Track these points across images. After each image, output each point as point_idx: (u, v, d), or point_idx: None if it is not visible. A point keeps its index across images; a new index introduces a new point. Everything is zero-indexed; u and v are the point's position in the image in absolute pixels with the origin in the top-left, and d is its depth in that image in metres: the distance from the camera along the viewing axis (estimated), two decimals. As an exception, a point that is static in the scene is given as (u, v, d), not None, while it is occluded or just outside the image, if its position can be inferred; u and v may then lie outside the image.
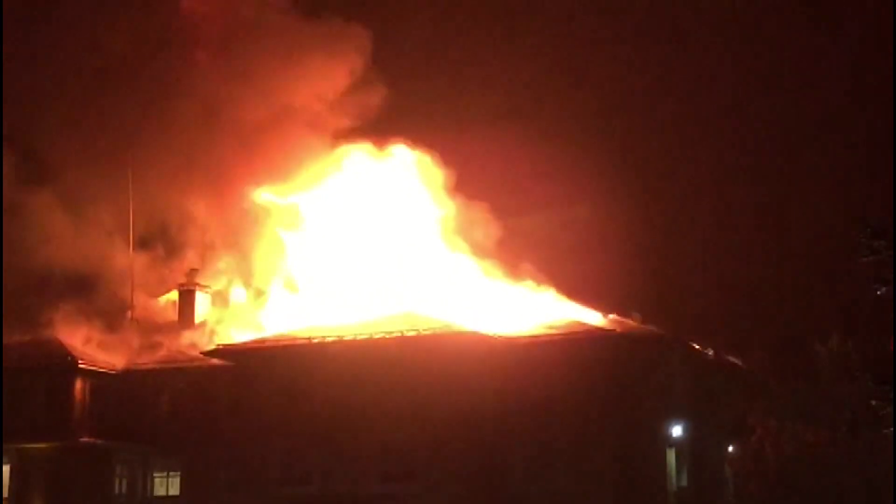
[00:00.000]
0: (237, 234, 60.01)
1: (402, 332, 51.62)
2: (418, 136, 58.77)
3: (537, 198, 63.22)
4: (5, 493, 55.98)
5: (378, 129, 59.05)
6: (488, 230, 57.00)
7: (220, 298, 61.18)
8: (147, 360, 57.66)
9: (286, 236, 59.30)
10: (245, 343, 54.69)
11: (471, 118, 67.51)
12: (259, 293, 59.70)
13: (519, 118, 71.12)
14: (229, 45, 60.25)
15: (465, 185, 58.27)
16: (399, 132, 58.82)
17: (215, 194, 59.68)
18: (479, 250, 56.74)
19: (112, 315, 59.57)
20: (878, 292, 23.73)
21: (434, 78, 72.46)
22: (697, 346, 52.66)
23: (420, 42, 72.80)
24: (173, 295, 61.62)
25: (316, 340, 52.85)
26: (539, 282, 55.32)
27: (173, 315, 60.84)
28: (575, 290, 55.21)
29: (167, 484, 57.04)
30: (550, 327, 51.94)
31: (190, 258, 61.65)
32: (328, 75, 58.90)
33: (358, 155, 59.21)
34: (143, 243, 61.81)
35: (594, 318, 52.76)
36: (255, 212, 59.74)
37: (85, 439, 55.77)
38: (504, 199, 59.17)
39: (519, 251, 56.52)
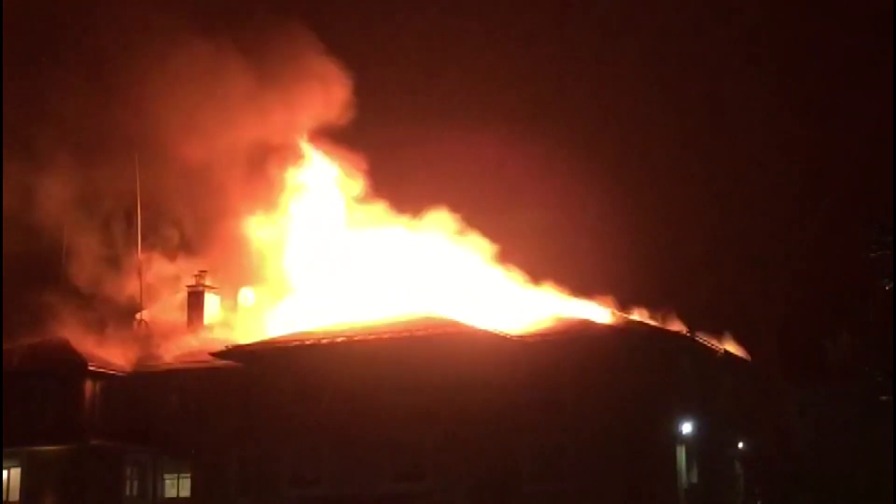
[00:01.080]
0: (247, 234, 60.00)
1: (411, 331, 51.69)
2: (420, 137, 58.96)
3: (542, 194, 63.17)
4: (17, 497, 56.07)
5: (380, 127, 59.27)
6: (493, 226, 57.27)
7: (230, 299, 61.29)
8: (157, 362, 57.75)
9: (296, 236, 59.39)
10: (255, 344, 54.74)
11: (467, 116, 67.58)
12: (268, 294, 59.76)
13: (517, 115, 71.25)
14: None
15: (470, 184, 58.43)
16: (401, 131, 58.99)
17: (224, 194, 59.71)
18: (488, 248, 56.89)
19: (122, 317, 59.70)
20: (886, 287, 23.75)
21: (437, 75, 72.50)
22: (707, 344, 52.67)
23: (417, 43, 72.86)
24: (182, 296, 61.68)
25: (325, 341, 52.92)
26: (549, 280, 55.49)
27: (183, 316, 60.92)
28: (585, 288, 55.47)
29: (178, 485, 57.12)
30: (560, 326, 52.03)
31: (199, 259, 61.70)
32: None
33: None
34: (152, 245, 61.88)
35: (604, 316, 52.82)
36: (265, 213, 59.86)
37: (95, 441, 55.83)
38: (509, 197, 59.16)
39: (529, 248, 56.66)
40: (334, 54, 59.33)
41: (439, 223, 57.95)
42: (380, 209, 58.91)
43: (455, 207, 57.97)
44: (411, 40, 73.35)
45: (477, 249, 57.01)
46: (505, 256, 56.67)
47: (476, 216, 57.79)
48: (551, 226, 59.85)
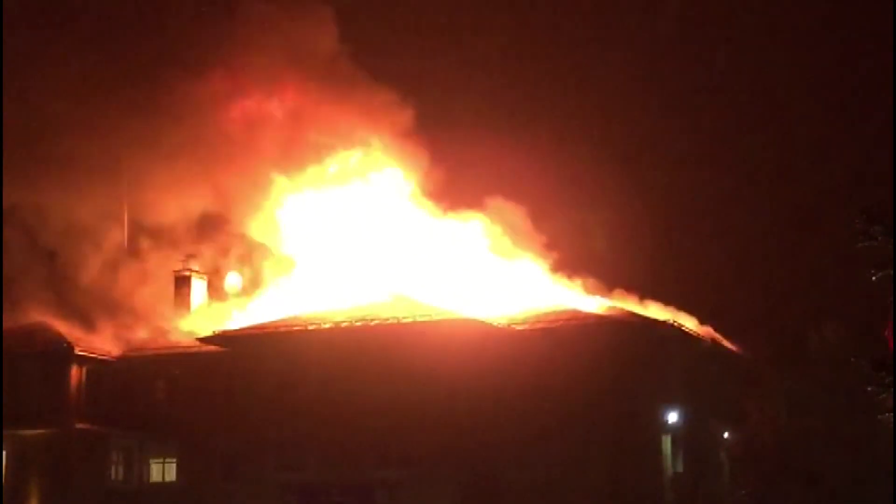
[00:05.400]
0: (233, 219, 59.89)
1: (397, 318, 51.69)
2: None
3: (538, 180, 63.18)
4: (2, 480, 55.97)
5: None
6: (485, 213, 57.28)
7: (216, 284, 61.21)
8: (143, 347, 57.71)
9: (281, 222, 59.28)
10: (241, 329, 54.70)
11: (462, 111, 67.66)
12: (255, 279, 59.70)
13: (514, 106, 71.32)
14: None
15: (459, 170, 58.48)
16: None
17: (210, 179, 59.53)
18: (476, 233, 56.91)
19: (108, 301, 59.54)
20: (874, 278, 23.78)
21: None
22: (693, 333, 52.73)
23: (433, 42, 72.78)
24: (169, 281, 61.54)
25: (312, 327, 52.90)
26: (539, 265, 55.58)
27: (169, 301, 60.80)
28: (574, 275, 55.58)
29: (163, 470, 57.14)
30: (547, 314, 52.03)
31: (186, 244, 61.54)
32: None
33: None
34: (139, 228, 61.67)
35: (590, 305, 52.85)
36: (251, 197, 59.70)
37: (81, 425, 55.81)
38: (503, 183, 59.18)
39: (519, 233, 56.71)
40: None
41: (431, 207, 58.04)
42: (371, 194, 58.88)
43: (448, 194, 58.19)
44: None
45: (468, 235, 57.02)
46: (495, 239, 56.79)
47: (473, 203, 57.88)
48: (548, 213, 59.74)
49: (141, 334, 58.29)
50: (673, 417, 50.52)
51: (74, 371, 56.32)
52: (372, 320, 52.06)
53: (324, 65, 59.30)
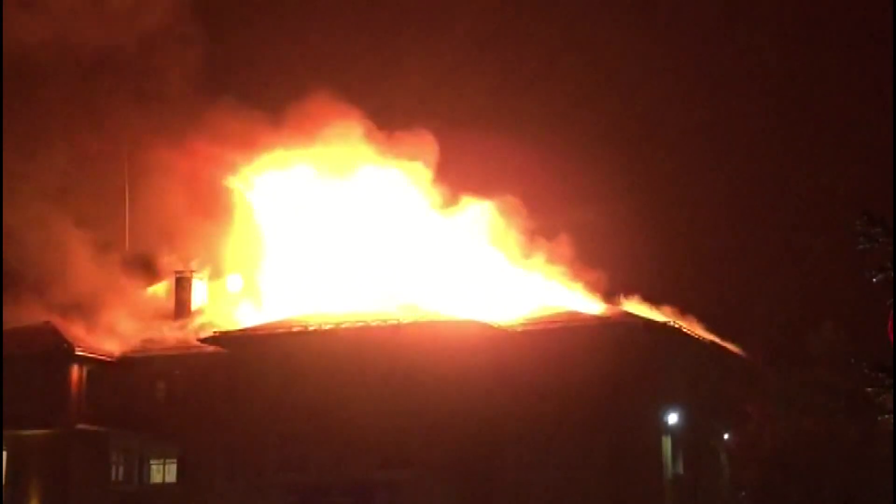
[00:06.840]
0: (235, 220, 59.86)
1: (398, 319, 51.71)
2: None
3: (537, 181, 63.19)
4: (2, 480, 55.95)
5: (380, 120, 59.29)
6: (486, 214, 57.19)
7: (217, 286, 61.18)
8: (143, 348, 57.69)
9: (284, 224, 59.28)
10: (241, 330, 54.73)
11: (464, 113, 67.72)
12: (255, 280, 59.66)
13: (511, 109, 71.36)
14: None
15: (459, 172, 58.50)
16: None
17: (212, 180, 59.57)
18: (478, 235, 56.85)
19: (109, 302, 59.52)
20: (874, 280, 23.75)
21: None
22: (693, 334, 52.74)
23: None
24: (170, 282, 61.54)
25: (312, 328, 52.94)
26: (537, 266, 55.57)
27: (170, 302, 60.80)
28: (574, 276, 55.47)
29: (164, 470, 57.18)
30: (547, 316, 52.03)
31: (187, 245, 61.49)
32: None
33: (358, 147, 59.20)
34: (140, 231, 61.70)
35: (590, 306, 52.84)
36: (254, 198, 59.71)
37: (81, 426, 55.84)
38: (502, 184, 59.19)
39: (519, 235, 56.75)
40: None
41: (432, 208, 57.99)
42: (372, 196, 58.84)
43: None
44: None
45: (469, 236, 56.98)
46: (496, 240, 56.77)
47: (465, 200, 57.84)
48: (549, 214, 59.76)
49: (141, 334, 58.28)
50: (673, 418, 50.53)
51: (74, 371, 56.33)
52: (372, 321, 52.07)
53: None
